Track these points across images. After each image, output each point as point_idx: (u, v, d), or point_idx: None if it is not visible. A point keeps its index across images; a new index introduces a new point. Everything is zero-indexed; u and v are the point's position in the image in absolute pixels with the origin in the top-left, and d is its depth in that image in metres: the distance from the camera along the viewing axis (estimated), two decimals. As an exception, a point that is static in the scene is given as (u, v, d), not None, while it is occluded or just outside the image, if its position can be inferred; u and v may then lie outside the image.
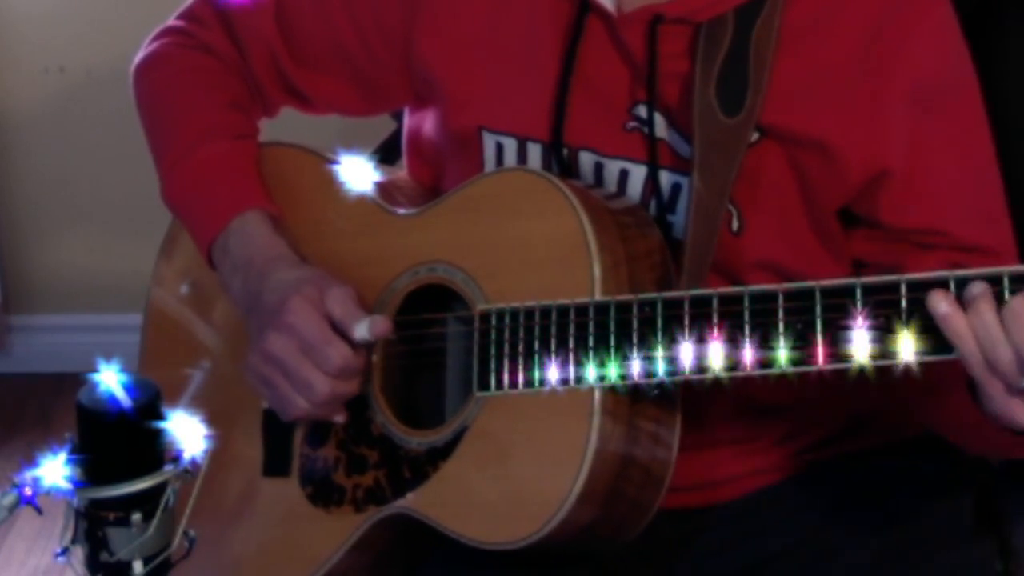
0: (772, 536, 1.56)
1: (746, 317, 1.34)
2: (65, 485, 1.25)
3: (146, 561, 1.28)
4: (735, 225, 1.49)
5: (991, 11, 1.68)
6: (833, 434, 1.60)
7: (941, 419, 1.46)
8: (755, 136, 1.46)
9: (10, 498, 1.24)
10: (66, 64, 3.05)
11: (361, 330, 1.47)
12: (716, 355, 1.35)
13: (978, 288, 1.28)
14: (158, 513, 1.27)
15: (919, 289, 1.29)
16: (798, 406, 1.54)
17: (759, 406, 1.53)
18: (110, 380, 1.26)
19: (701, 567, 1.57)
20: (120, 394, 1.25)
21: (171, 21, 1.70)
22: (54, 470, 1.24)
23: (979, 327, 1.27)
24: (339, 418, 1.52)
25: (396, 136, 1.85)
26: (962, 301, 1.28)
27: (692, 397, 1.43)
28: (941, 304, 1.28)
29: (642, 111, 1.49)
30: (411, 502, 1.48)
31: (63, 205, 3.14)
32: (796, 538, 1.54)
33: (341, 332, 1.48)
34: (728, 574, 1.55)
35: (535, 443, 1.42)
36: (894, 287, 1.30)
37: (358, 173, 1.59)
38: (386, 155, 1.84)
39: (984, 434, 1.38)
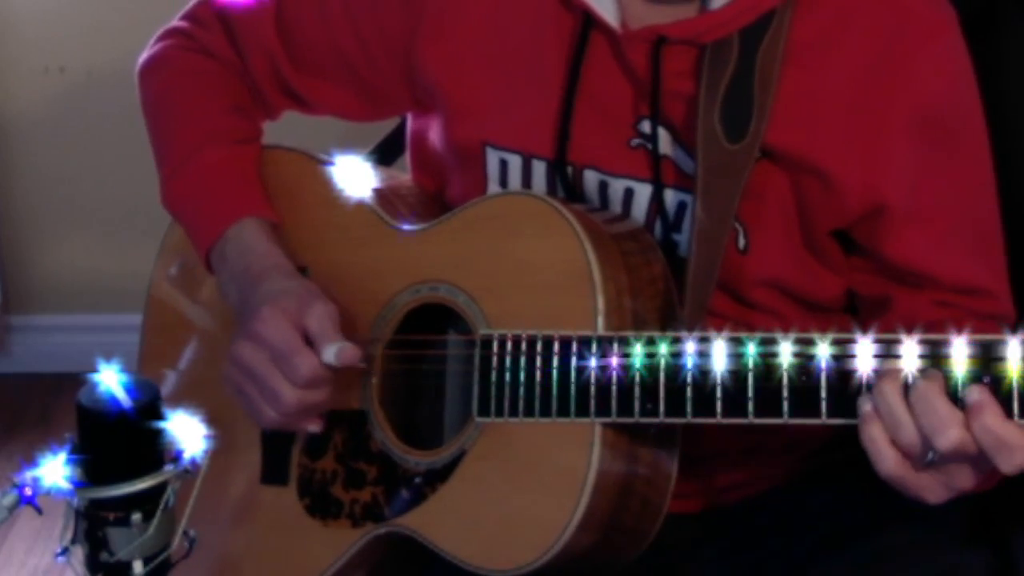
0: (771, 539, 1.56)
1: (750, 364, 1.33)
2: (65, 485, 1.25)
3: (146, 561, 1.28)
4: (741, 243, 1.48)
5: (991, 11, 1.68)
6: (834, 439, 1.60)
7: None
8: (757, 155, 1.45)
9: (10, 498, 1.24)
10: (66, 64, 3.05)
11: (328, 354, 1.45)
12: (718, 398, 1.33)
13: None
14: (158, 513, 1.27)
15: (936, 346, 1.27)
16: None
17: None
18: (110, 380, 1.26)
19: (703, 572, 1.57)
20: (120, 394, 1.25)
21: (174, 22, 1.69)
22: (54, 470, 1.24)
23: (882, 406, 1.27)
24: (314, 428, 1.51)
25: (394, 135, 1.84)
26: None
27: (690, 424, 1.42)
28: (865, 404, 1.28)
29: (646, 127, 1.49)
30: (409, 521, 1.48)
31: (63, 205, 3.15)
32: (792, 541, 1.54)
33: (314, 347, 1.47)
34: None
35: (534, 472, 1.41)
36: (896, 341, 1.29)
37: (360, 179, 1.58)
38: (384, 155, 1.84)
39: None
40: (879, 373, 1.27)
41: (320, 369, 1.46)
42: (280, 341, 1.45)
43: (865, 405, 1.28)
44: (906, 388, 1.26)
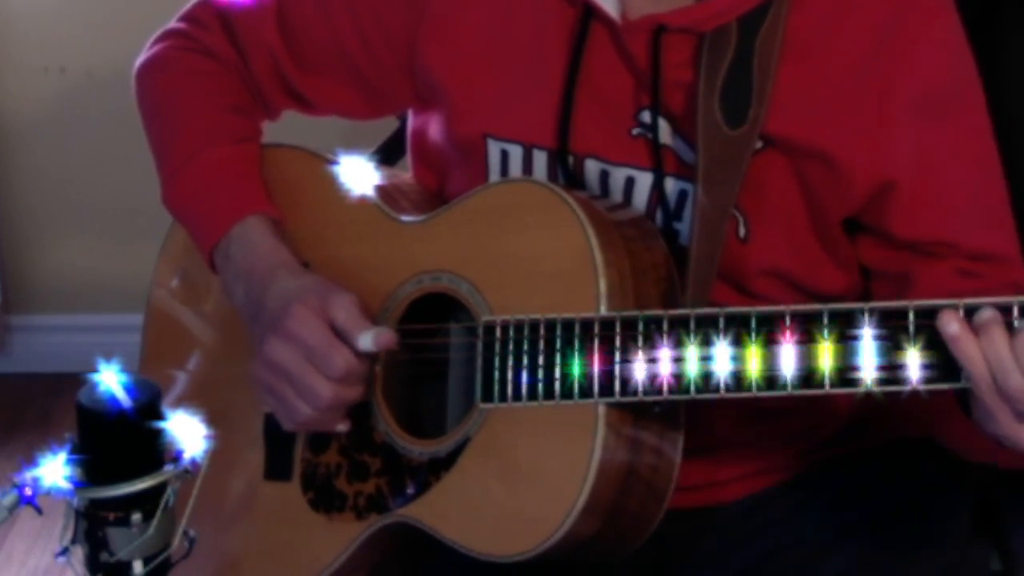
0: (772, 536, 1.56)
1: (752, 337, 1.34)
2: (65, 485, 1.25)
3: (146, 561, 1.28)
4: (742, 232, 1.49)
5: (992, 10, 1.68)
6: (836, 435, 1.60)
7: (937, 431, 1.46)
8: (759, 144, 1.46)
9: (10, 498, 1.24)
10: (66, 64, 3.05)
11: (365, 341, 1.46)
12: (721, 374, 1.35)
13: (989, 313, 1.27)
14: (158, 513, 1.27)
15: (928, 316, 1.29)
16: (802, 410, 1.54)
17: (763, 410, 1.53)
18: (110, 380, 1.26)
19: (703, 569, 1.57)
20: (120, 394, 1.25)
21: (172, 23, 1.69)
22: (54, 470, 1.24)
23: (990, 352, 1.27)
24: (342, 427, 1.52)
25: (397, 136, 1.84)
26: (972, 326, 1.28)
27: (696, 402, 1.43)
28: (952, 324, 1.27)
29: (647, 116, 1.49)
30: (412, 511, 1.48)
31: (63, 205, 3.15)
32: (795, 537, 1.54)
33: (344, 339, 1.47)
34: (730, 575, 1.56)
35: (538, 457, 1.42)
36: (902, 312, 1.30)
37: (361, 176, 1.58)
38: (386, 155, 1.84)
39: (981, 447, 1.38)
40: (984, 323, 1.27)
41: (354, 362, 1.46)
42: (313, 337, 1.46)
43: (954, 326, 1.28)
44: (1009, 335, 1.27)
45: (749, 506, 1.59)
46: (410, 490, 1.49)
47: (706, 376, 1.35)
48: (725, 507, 1.60)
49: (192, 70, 1.66)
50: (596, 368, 1.39)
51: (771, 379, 1.34)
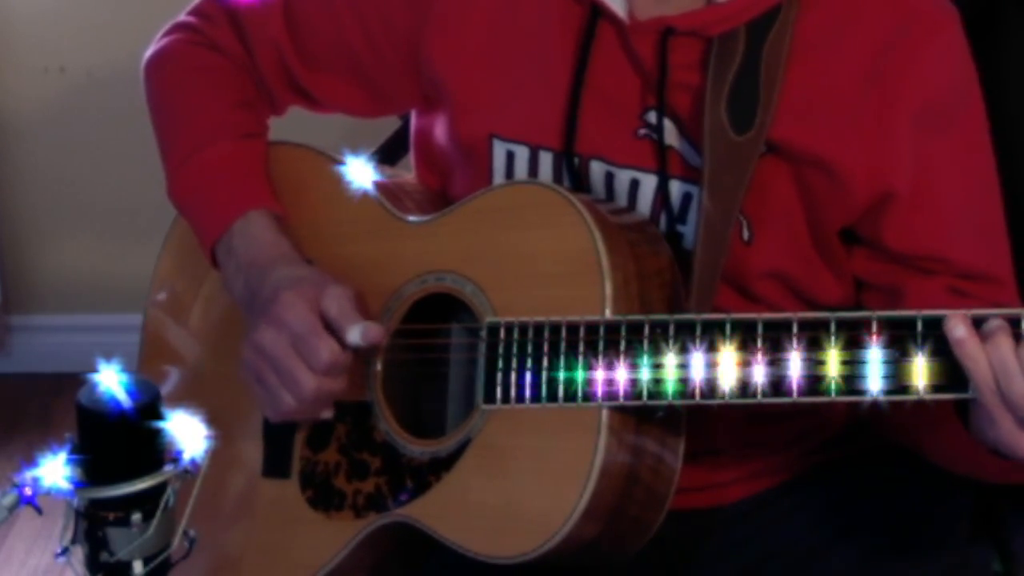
0: (772, 537, 1.56)
1: (759, 344, 1.34)
2: (65, 485, 1.25)
3: (146, 561, 1.28)
4: (746, 235, 1.49)
5: (992, 11, 1.68)
6: (837, 436, 1.60)
7: (926, 439, 1.46)
8: (762, 149, 1.46)
9: (10, 498, 1.24)
10: (66, 64, 3.05)
11: (353, 334, 1.46)
12: (726, 380, 1.34)
13: (997, 322, 1.28)
14: (158, 513, 1.27)
15: (936, 326, 1.29)
16: (804, 414, 1.54)
17: (765, 414, 1.52)
18: (110, 380, 1.26)
19: (704, 570, 1.57)
20: (120, 394, 1.25)
21: (181, 17, 1.70)
22: (54, 470, 1.24)
23: (995, 356, 1.27)
24: (326, 414, 1.52)
25: (398, 136, 1.84)
26: (980, 333, 1.28)
27: (699, 405, 1.42)
28: (959, 327, 1.28)
29: (653, 117, 1.49)
30: (412, 511, 1.48)
31: (63, 205, 3.15)
32: (795, 537, 1.54)
33: (334, 332, 1.47)
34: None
35: (539, 459, 1.42)
36: (910, 322, 1.30)
37: (366, 175, 1.58)
38: (387, 155, 1.84)
39: (969, 458, 1.38)
40: (991, 330, 1.28)
41: (339, 354, 1.46)
42: (301, 325, 1.46)
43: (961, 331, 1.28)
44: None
45: (750, 507, 1.59)
46: (410, 490, 1.49)
47: (711, 382, 1.35)
48: (726, 508, 1.60)
49: (199, 65, 1.66)
50: (600, 372, 1.39)
51: (777, 386, 1.33)
